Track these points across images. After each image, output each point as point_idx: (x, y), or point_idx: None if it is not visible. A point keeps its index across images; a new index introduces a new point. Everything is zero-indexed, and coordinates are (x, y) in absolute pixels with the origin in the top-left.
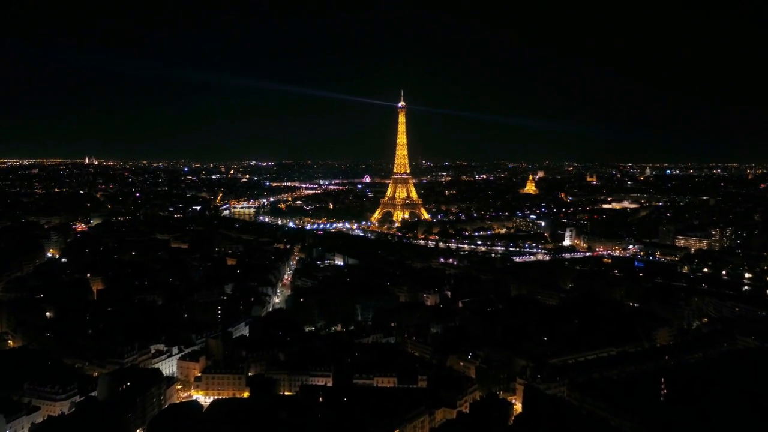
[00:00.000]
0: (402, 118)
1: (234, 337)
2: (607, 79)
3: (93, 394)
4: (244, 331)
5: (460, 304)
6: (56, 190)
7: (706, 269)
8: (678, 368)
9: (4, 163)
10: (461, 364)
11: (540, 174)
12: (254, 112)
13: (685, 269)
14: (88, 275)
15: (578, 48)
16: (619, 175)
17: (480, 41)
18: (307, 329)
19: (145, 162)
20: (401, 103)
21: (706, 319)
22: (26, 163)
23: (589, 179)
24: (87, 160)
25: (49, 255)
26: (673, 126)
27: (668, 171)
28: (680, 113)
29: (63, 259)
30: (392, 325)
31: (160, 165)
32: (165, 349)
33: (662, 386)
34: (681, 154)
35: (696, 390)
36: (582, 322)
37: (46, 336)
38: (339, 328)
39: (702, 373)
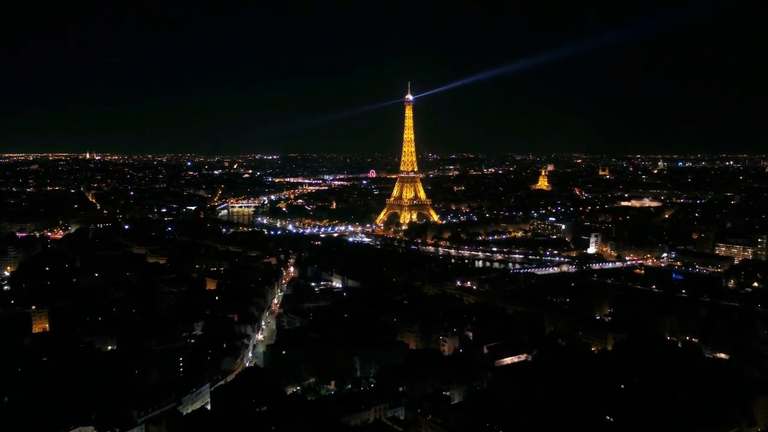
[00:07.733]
0: (409, 112)
1: (189, 411)
2: (607, 70)
3: None
4: (206, 398)
5: (485, 350)
6: (48, 188)
7: (756, 284)
8: None
9: (9, 158)
10: None
11: (550, 167)
12: (261, 105)
13: (731, 283)
14: (33, 308)
15: (582, 36)
16: (631, 169)
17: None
18: (290, 390)
19: (150, 156)
20: (408, 96)
21: None
22: (30, 159)
23: (601, 173)
24: (88, 155)
25: (6, 274)
26: (675, 115)
27: (680, 163)
28: (681, 103)
29: (7, 287)
30: (401, 390)
31: (164, 159)
32: None
33: None
34: (688, 145)
35: None
36: (644, 380)
37: None
38: (332, 386)
39: None
